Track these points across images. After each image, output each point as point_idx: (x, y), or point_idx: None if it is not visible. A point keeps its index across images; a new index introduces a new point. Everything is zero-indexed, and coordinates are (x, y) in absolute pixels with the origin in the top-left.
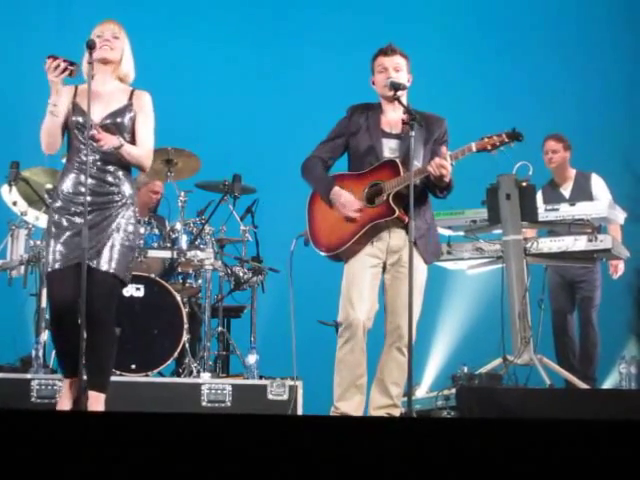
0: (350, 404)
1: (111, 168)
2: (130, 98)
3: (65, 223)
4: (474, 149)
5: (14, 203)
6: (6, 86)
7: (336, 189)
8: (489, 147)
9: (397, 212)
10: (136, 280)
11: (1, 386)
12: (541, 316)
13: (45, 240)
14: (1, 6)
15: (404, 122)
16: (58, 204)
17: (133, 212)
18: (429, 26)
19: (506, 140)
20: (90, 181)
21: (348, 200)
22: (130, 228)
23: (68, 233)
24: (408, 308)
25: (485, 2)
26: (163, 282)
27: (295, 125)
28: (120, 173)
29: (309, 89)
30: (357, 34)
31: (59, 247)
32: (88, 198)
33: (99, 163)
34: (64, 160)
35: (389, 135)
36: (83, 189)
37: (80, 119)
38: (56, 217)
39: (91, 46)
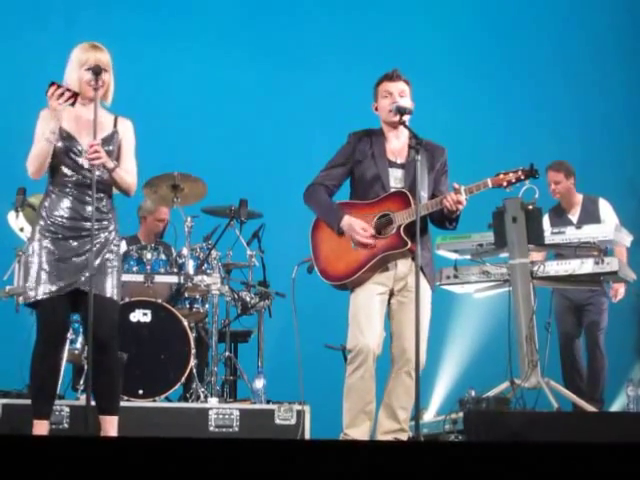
0: (359, 430)
1: (98, 193)
2: (115, 125)
3: (50, 246)
4: (490, 185)
5: (21, 229)
6: (12, 112)
7: (347, 217)
8: (505, 184)
9: (409, 244)
10: (143, 305)
11: (9, 412)
12: (548, 339)
13: (28, 262)
14: (7, 34)
15: (410, 147)
16: (42, 226)
17: (118, 236)
18: (437, 49)
19: (522, 178)
20: (77, 204)
21: (362, 227)
22: (117, 250)
23: (53, 257)
24: (415, 333)
25: (492, 27)
26: (170, 307)
27: (302, 150)
28: (105, 200)
29: (317, 113)
30: (366, 59)
31: (45, 273)
32: (77, 223)
33: (86, 187)
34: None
35: (394, 164)
36: (68, 213)
37: (67, 144)
38: (40, 240)
39: (97, 72)
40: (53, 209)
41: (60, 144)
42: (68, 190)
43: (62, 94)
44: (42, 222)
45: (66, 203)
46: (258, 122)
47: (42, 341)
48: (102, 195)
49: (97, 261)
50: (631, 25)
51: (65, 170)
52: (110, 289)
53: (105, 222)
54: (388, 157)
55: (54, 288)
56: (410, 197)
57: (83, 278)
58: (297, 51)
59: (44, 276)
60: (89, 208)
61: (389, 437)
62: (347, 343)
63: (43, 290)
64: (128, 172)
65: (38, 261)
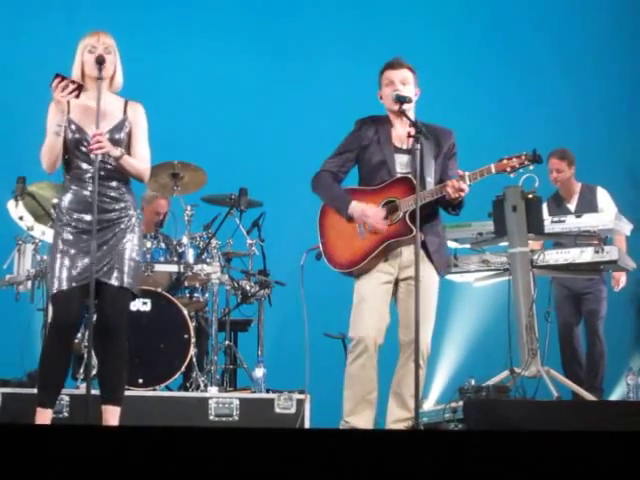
0: (360, 418)
1: (114, 183)
2: (125, 112)
3: (71, 240)
4: (493, 171)
5: (21, 218)
6: (12, 101)
7: (355, 203)
8: (508, 169)
9: (414, 231)
10: (143, 294)
11: (9, 401)
12: (548, 328)
13: (50, 256)
14: (7, 25)
15: (410, 135)
16: (63, 221)
17: (138, 225)
18: (436, 41)
19: (526, 163)
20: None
21: (373, 212)
22: (137, 241)
23: (74, 251)
24: (415, 321)
25: (491, 19)
26: (170, 296)
27: (302, 138)
28: (123, 188)
29: (316, 101)
30: (364, 46)
31: (65, 266)
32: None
33: (102, 179)
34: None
35: (400, 150)
36: (86, 205)
37: (78, 136)
38: (61, 234)
39: (100, 62)
40: (72, 205)
41: (70, 136)
42: (84, 184)
43: (66, 86)
44: (62, 217)
45: (85, 197)
46: (258, 111)
47: (54, 332)
48: (118, 183)
49: (115, 251)
50: (630, 15)
51: (79, 163)
52: (120, 278)
53: (123, 211)
54: (394, 143)
55: (72, 281)
56: (415, 182)
57: (100, 268)
58: (298, 41)
59: (64, 270)
60: (108, 200)
61: (400, 426)
62: (349, 331)
63: (62, 283)
64: (139, 158)
65: (60, 255)
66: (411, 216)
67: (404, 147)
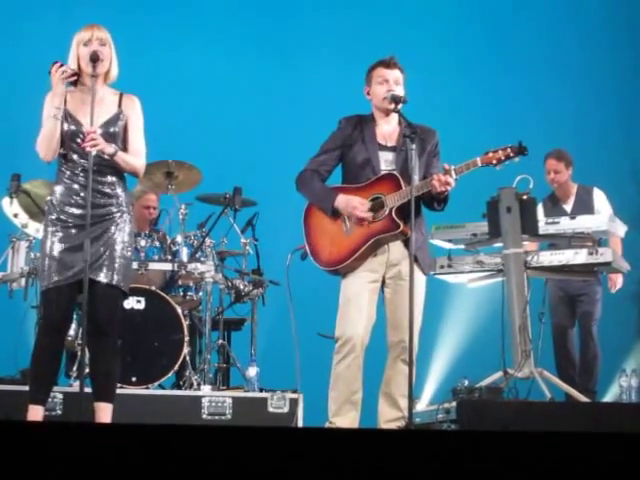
0: (345, 419)
1: (107, 178)
2: (120, 105)
3: (61, 235)
4: (479, 164)
5: (15, 215)
6: (6, 99)
7: (341, 196)
8: (494, 162)
9: (401, 226)
10: (137, 292)
11: (2, 398)
12: (541, 329)
13: (40, 252)
14: (2, 25)
15: (405, 135)
16: (53, 216)
17: (130, 222)
18: (431, 41)
19: (511, 155)
20: (86, 192)
21: (359, 201)
22: (128, 238)
23: (64, 246)
24: (409, 321)
25: (486, 18)
26: (164, 295)
27: (296, 138)
28: (116, 183)
29: (310, 101)
30: (358, 46)
31: (55, 262)
32: (85, 210)
33: (95, 173)
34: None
35: (385, 148)
36: (77, 200)
37: (73, 127)
38: (51, 229)
39: (94, 59)
40: (64, 198)
41: (66, 128)
42: (77, 178)
43: (65, 71)
44: (53, 211)
45: (76, 191)
46: (253, 110)
47: (45, 328)
48: (111, 178)
49: (105, 247)
50: (625, 13)
51: (73, 156)
52: (109, 275)
53: (114, 206)
54: (378, 141)
55: (62, 277)
56: (401, 179)
57: (89, 264)
58: (292, 41)
59: (53, 266)
60: (99, 195)
61: (392, 425)
62: (335, 331)
63: (51, 280)
64: (134, 152)
65: (49, 251)
66: (397, 211)
67: (388, 144)
